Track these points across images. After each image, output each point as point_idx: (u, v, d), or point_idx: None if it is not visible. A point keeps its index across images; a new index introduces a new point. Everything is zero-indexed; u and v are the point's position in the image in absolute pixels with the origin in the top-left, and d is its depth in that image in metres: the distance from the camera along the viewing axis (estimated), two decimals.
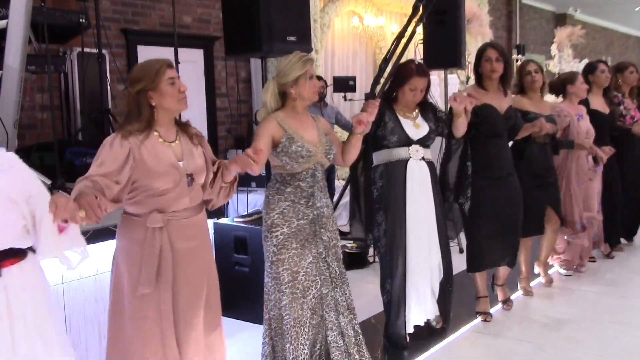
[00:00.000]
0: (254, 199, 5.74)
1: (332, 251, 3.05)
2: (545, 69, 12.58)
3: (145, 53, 6.53)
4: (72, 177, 3.81)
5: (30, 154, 4.30)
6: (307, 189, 3.01)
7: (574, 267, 5.14)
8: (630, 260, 5.55)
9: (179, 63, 4.74)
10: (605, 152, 4.90)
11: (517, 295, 4.56)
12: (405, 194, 3.53)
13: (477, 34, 9.60)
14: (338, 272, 3.07)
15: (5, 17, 3.79)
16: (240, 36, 4.02)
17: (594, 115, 5.03)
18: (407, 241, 3.54)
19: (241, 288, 4.06)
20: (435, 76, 8.34)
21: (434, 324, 3.81)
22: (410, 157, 3.55)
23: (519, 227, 4.14)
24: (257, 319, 3.77)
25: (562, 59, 11.41)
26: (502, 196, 3.99)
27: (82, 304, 2.98)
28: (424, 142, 3.61)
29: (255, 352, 3.28)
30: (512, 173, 4.07)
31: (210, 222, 3.69)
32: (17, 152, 4.01)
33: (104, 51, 5.20)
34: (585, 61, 5.28)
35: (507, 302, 4.30)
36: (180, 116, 4.63)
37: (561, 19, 14.72)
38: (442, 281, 3.73)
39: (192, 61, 6.91)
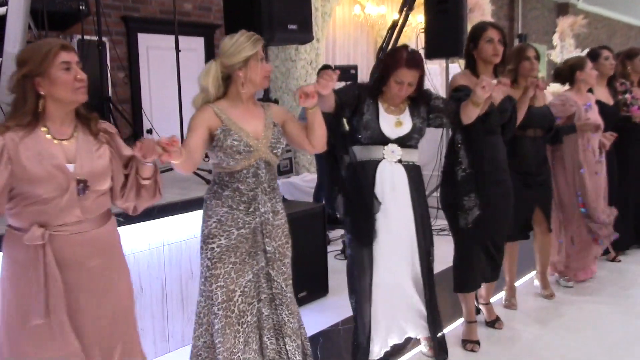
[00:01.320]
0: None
1: (277, 264, 2.62)
2: (546, 59, 12.58)
3: (146, 40, 6.52)
4: None
5: None
6: (247, 192, 2.56)
7: (574, 275, 4.59)
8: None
9: (180, 51, 4.72)
10: (607, 138, 4.52)
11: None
12: (373, 201, 3.06)
13: None
14: (284, 289, 2.63)
15: (5, 3, 3.76)
16: (241, 24, 3.93)
17: (597, 106, 4.59)
18: (374, 256, 3.07)
19: None
20: (437, 65, 8.31)
21: (425, 350, 3.41)
22: (384, 158, 3.07)
23: (505, 236, 3.73)
24: None
25: (564, 49, 11.38)
26: (500, 202, 3.49)
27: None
28: (404, 142, 3.10)
29: None
30: (507, 175, 3.57)
31: None
32: None
33: (104, 38, 5.18)
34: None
35: (497, 322, 3.84)
36: (180, 108, 4.62)
37: (563, 9, 14.65)
38: (427, 301, 3.22)
39: (192, 49, 6.88)
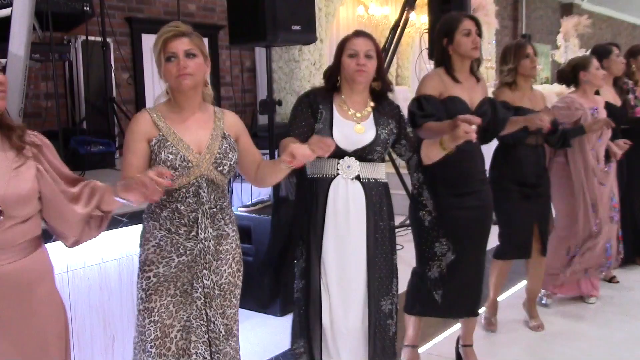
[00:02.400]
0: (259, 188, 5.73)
1: (217, 302, 2.21)
2: (550, 59, 12.56)
3: (150, 41, 6.45)
4: (76, 165, 3.82)
5: None
6: (187, 214, 2.17)
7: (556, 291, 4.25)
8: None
9: None
10: (620, 146, 4.09)
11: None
12: (324, 224, 2.55)
13: (483, 23, 9.49)
14: (223, 334, 2.22)
15: (10, 4, 3.78)
16: (245, 25, 4.01)
17: (605, 109, 4.23)
18: (323, 290, 2.56)
19: (244, 277, 4.06)
20: None
21: None
22: (338, 174, 2.55)
23: (484, 261, 3.17)
24: (260, 307, 3.79)
25: (568, 49, 11.35)
26: (470, 217, 3.01)
27: (87, 292, 2.99)
28: (364, 155, 2.55)
29: (259, 341, 3.29)
30: (483, 187, 3.11)
31: None
32: None
33: (108, 39, 5.20)
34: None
35: None
36: None
37: (567, 9, 14.61)
38: (370, 346, 2.63)
39: None
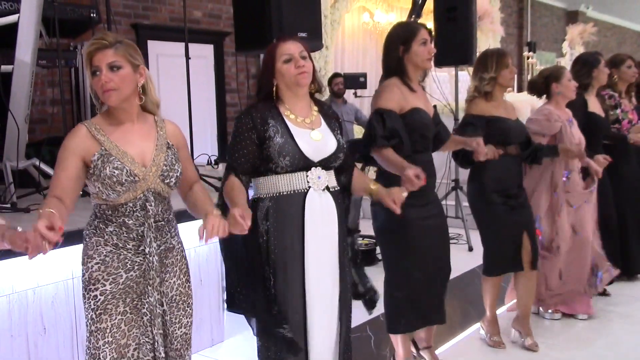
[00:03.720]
0: None
1: (158, 321, 2.12)
2: None
3: (156, 48, 6.54)
4: None
5: (40, 148, 4.30)
6: (136, 228, 2.08)
7: (569, 309, 4.07)
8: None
9: (189, 58, 4.73)
10: (600, 163, 3.88)
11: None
12: (304, 241, 2.36)
13: (488, 31, 9.57)
14: (162, 356, 2.13)
15: (17, 11, 3.79)
16: (251, 32, 4.01)
17: (590, 119, 4.15)
18: (308, 309, 2.37)
19: None
20: (446, 73, 8.30)
21: None
22: (310, 187, 2.38)
23: (449, 271, 3.13)
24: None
25: (574, 57, 11.33)
26: (435, 225, 3.00)
27: (77, 302, 2.98)
28: (329, 164, 2.42)
29: None
30: (435, 195, 3.10)
31: None
32: (28, 146, 4.05)
33: None
34: None
35: None
36: (190, 115, 4.63)
37: (573, 16, 14.63)
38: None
39: (202, 56, 6.91)
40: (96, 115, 2.16)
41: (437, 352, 3.56)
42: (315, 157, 2.37)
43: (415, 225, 2.89)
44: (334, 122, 2.51)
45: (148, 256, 2.09)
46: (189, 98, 4.67)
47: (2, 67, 3.67)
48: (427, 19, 7.87)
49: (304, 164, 2.35)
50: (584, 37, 11.92)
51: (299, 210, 2.36)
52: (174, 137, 2.22)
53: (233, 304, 2.48)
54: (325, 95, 7.10)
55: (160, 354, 2.12)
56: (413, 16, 6.27)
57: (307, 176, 2.37)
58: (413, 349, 3.29)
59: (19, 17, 3.71)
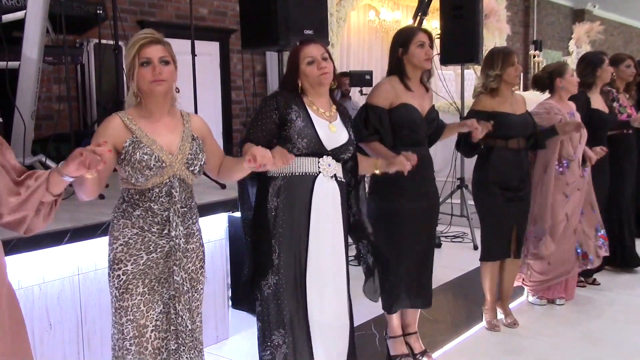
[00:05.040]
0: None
1: (185, 298, 2.29)
2: None
3: None
4: None
5: (46, 144, 4.31)
6: (160, 213, 2.24)
7: (549, 295, 4.22)
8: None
9: (195, 55, 4.73)
10: (597, 152, 4.14)
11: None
12: (310, 221, 2.60)
13: (495, 29, 9.55)
14: (189, 328, 2.30)
15: (24, 7, 3.80)
16: (257, 29, 4.01)
17: (594, 116, 4.31)
18: (308, 287, 2.60)
19: None
20: (452, 71, 8.29)
21: None
22: (320, 172, 2.62)
23: (432, 257, 3.34)
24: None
25: (580, 55, 11.31)
26: (422, 217, 3.20)
27: (98, 295, 2.99)
28: (339, 154, 2.67)
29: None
30: (432, 186, 3.30)
31: (225, 216, 3.68)
32: (34, 142, 4.06)
33: (120, 43, 5.20)
34: None
35: (425, 353, 3.39)
36: (196, 112, 4.65)
37: (579, 15, 14.58)
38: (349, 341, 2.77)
39: (207, 54, 6.91)
40: (128, 108, 2.30)
41: (441, 350, 3.57)
42: (329, 145, 2.62)
43: (404, 214, 3.14)
44: (347, 119, 2.79)
45: (175, 239, 2.25)
46: (195, 95, 4.67)
47: (9, 63, 3.67)
48: (434, 17, 7.87)
49: (318, 150, 2.60)
50: (590, 35, 11.89)
51: (308, 190, 2.60)
52: (199, 130, 2.39)
53: (238, 302, 2.58)
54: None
55: (183, 327, 2.28)
56: (419, 14, 6.26)
57: (318, 162, 2.62)
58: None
59: (25, 13, 3.72)
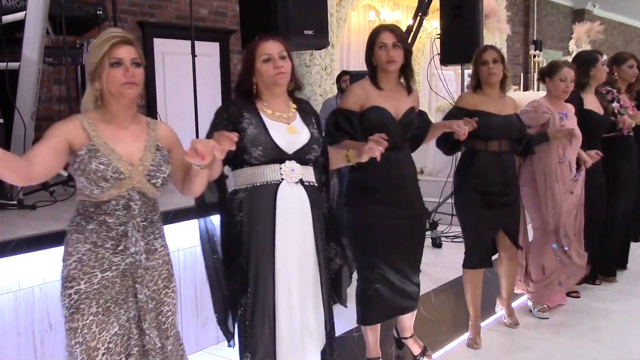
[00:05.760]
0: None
1: (151, 316, 2.11)
2: None
3: (162, 46, 6.55)
4: None
5: None
6: (116, 227, 2.07)
7: (547, 303, 4.10)
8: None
9: (195, 56, 4.74)
10: (591, 157, 3.98)
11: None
12: (275, 233, 2.42)
13: (495, 29, 9.53)
14: (159, 346, 2.13)
15: (24, 8, 3.80)
16: (257, 30, 3.98)
17: (587, 116, 4.13)
18: (276, 300, 2.42)
19: None
20: (452, 71, 8.29)
21: None
22: (283, 179, 2.44)
23: (419, 262, 3.19)
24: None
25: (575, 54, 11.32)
26: (403, 231, 3.01)
27: None
28: (303, 156, 2.48)
29: None
30: (415, 197, 3.10)
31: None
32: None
33: None
34: (605, 58, 4.46)
35: (425, 353, 3.33)
36: (196, 113, 4.65)
37: (579, 15, 14.58)
38: (325, 348, 2.61)
39: (207, 54, 6.90)
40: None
41: (442, 350, 3.57)
42: (288, 149, 2.44)
43: (378, 223, 2.96)
44: (311, 117, 2.60)
45: (135, 255, 2.08)
46: (195, 96, 4.68)
47: (9, 64, 3.67)
48: (434, 17, 7.86)
49: (278, 156, 2.42)
50: (590, 35, 11.87)
51: (271, 201, 2.42)
52: (165, 139, 2.21)
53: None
54: (332, 92, 7.10)
55: (152, 346, 2.11)
56: (419, 14, 6.26)
57: (280, 168, 2.44)
58: (394, 348, 3.42)
59: (25, 14, 3.72)
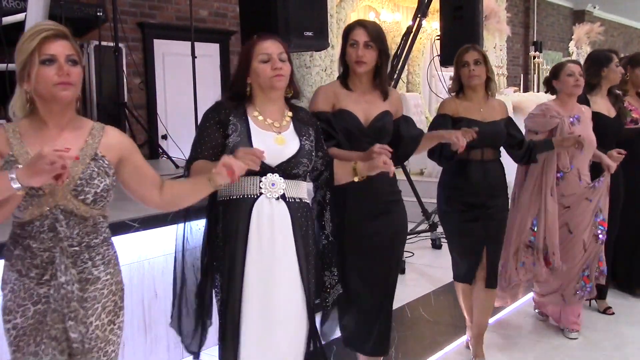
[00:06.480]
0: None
1: (89, 357, 1.83)
2: None
3: (162, 47, 6.55)
4: None
5: None
6: (40, 253, 1.76)
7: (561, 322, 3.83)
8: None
9: (195, 57, 4.74)
10: (614, 158, 3.69)
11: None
12: (246, 251, 2.18)
13: (495, 30, 9.53)
14: None
15: (24, 9, 3.80)
16: (257, 31, 3.97)
17: (595, 120, 3.83)
18: (242, 324, 2.19)
19: None
20: (452, 72, 8.28)
21: None
22: (262, 193, 2.19)
23: (392, 293, 2.82)
24: None
25: (580, 57, 11.30)
26: (379, 248, 2.68)
27: None
28: (289, 170, 2.23)
29: None
30: (391, 209, 2.73)
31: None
32: None
33: (120, 44, 5.22)
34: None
35: None
36: (196, 114, 4.65)
37: (579, 16, 14.58)
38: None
39: (208, 55, 6.90)
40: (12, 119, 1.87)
41: (442, 352, 3.57)
42: (272, 161, 2.19)
43: (354, 244, 2.63)
44: (308, 128, 2.34)
45: (65, 285, 1.75)
46: (195, 97, 4.68)
47: (9, 65, 3.67)
48: (434, 19, 7.86)
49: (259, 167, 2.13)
50: (590, 36, 11.88)
51: (245, 217, 2.19)
52: (114, 147, 1.89)
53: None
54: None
55: None
56: (418, 15, 6.25)
57: (260, 181, 2.20)
58: None
59: (25, 15, 3.72)
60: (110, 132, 1.91)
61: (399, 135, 2.78)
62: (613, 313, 4.15)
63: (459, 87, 3.29)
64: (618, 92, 4.18)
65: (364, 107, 2.67)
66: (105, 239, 1.89)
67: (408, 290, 4.13)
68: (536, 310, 4.08)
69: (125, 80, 5.52)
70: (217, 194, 2.24)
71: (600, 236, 3.72)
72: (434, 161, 3.35)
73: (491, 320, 3.96)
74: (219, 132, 2.21)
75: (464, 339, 3.69)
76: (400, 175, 5.54)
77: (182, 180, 2.14)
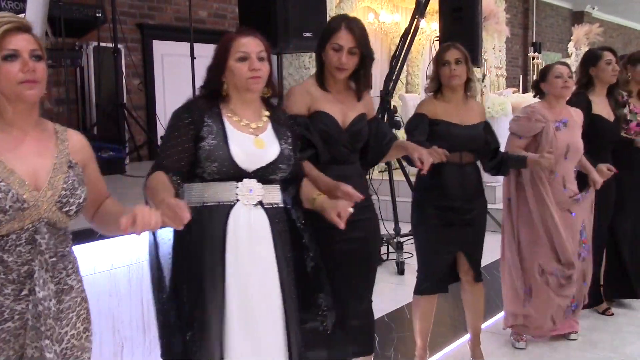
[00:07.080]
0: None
1: None
2: None
3: (161, 48, 6.55)
4: None
5: None
6: (17, 268, 1.62)
7: (536, 331, 3.62)
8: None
9: (195, 58, 4.74)
10: (603, 174, 3.54)
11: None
12: (225, 263, 2.03)
13: (494, 31, 9.52)
14: None
15: (23, 11, 3.80)
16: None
17: (594, 123, 3.68)
18: (225, 339, 2.02)
19: None
20: None
21: None
22: (238, 200, 2.06)
23: (370, 300, 2.73)
24: None
25: (579, 57, 11.32)
26: (349, 252, 2.51)
27: (97, 298, 2.98)
28: (267, 175, 2.11)
29: None
30: (367, 215, 2.60)
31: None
32: None
33: (119, 45, 5.22)
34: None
35: None
36: None
37: (578, 17, 14.59)
38: None
39: (207, 56, 6.83)
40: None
41: (441, 353, 3.57)
42: (249, 166, 2.07)
43: (325, 247, 2.36)
44: (286, 130, 2.21)
45: (43, 302, 1.61)
46: None
47: None
48: (433, 19, 7.86)
49: (235, 173, 2.05)
50: (589, 37, 11.88)
51: (220, 225, 2.04)
52: (79, 152, 1.77)
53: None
54: None
55: None
56: (416, 16, 6.26)
57: (236, 187, 2.06)
58: None
59: (24, 16, 3.72)
60: (75, 136, 1.79)
61: (370, 140, 2.67)
62: (612, 314, 4.14)
63: (437, 87, 3.11)
64: (623, 95, 4.03)
65: (341, 107, 2.56)
66: (70, 246, 1.79)
67: (407, 291, 4.11)
68: (513, 337, 3.70)
69: (124, 81, 5.52)
70: (186, 199, 2.06)
71: (583, 254, 3.61)
72: (407, 163, 3.20)
73: (491, 321, 3.97)
74: (190, 134, 2.05)
75: (463, 339, 3.69)
76: (398, 176, 5.56)
77: (112, 206, 1.88)
